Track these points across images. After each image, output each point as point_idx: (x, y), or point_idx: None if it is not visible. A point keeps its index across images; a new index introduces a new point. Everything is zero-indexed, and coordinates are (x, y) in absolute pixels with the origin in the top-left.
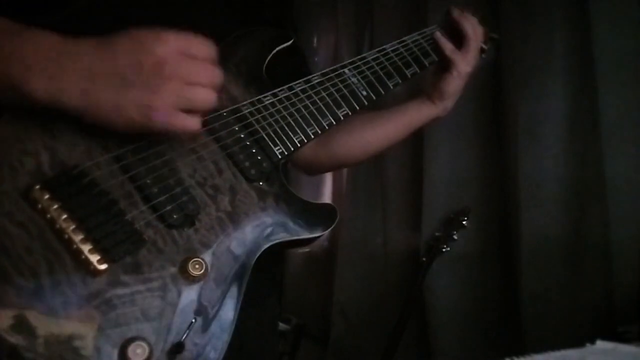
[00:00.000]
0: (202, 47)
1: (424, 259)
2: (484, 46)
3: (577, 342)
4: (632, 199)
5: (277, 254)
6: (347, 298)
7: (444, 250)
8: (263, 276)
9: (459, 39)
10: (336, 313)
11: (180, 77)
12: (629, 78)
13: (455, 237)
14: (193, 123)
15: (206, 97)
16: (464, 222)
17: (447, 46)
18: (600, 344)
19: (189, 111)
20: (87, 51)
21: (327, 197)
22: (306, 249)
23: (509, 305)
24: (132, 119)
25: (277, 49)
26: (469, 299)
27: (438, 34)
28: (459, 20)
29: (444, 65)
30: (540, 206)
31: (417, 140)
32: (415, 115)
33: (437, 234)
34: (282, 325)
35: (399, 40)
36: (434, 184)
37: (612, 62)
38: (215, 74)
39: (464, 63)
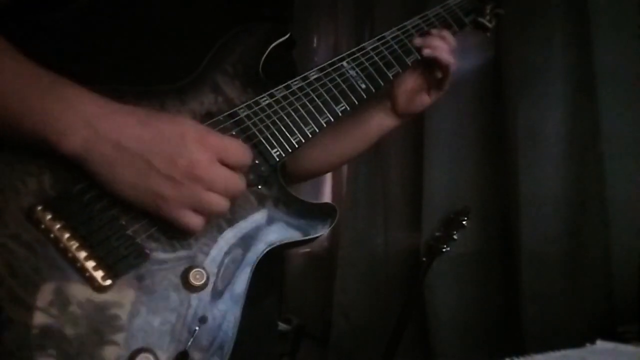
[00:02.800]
0: (238, 157)
1: (424, 259)
2: (488, 24)
3: (577, 342)
4: (632, 199)
5: (275, 254)
6: (348, 298)
7: (444, 250)
8: (261, 277)
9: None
10: (336, 313)
11: (205, 182)
12: (629, 78)
13: (455, 237)
14: (195, 223)
15: (219, 205)
16: (464, 222)
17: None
18: (600, 344)
19: (198, 212)
20: (124, 122)
21: (327, 198)
22: (306, 249)
23: (509, 305)
24: (142, 201)
25: (274, 44)
26: (469, 298)
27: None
28: (435, 55)
29: (423, 85)
30: (540, 206)
31: (417, 140)
32: (377, 128)
33: (437, 234)
34: (282, 325)
35: (399, 27)
36: (434, 184)
37: (612, 62)
38: (237, 184)
39: (446, 90)
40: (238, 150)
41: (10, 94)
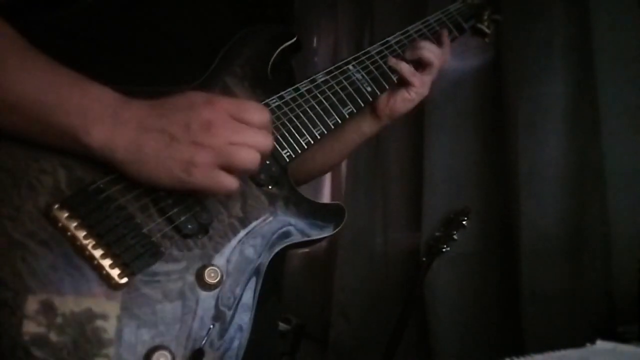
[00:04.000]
0: (254, 113)
1: (424, 259)
2: (486, 30)
3: (577, 342)
4: (633, 199)
5: (277, 254)
6: (347, 298)
7: (444, 250)
8: (265, 276)
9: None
10: (336, 313)
11: (225, 136)
12: (629, 76)
13: (455, 237)
14: (230, 182)
15: (247, 156)
16: (464, 222)
17: (405, 69)
18: (600, 344)
19: (230, 170)
20: (141, 108)
21: (326, 197)
22: (305, 249)
23: (509, 305)
24: (174, 175)
25: (281, 47)
26: (469, 299)
27: (393, 60)
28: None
29: (401, 85)
30: (540, 206)
31: (417, 139)
32: (359, 133)
33: (437, 234)
34: (282, 325)
35: (402, 31)
36: (434, 184)
37: (612, 60)
38: (261, 138)
39: (424, 87)
40: (253, 108)
41: (43, 88)
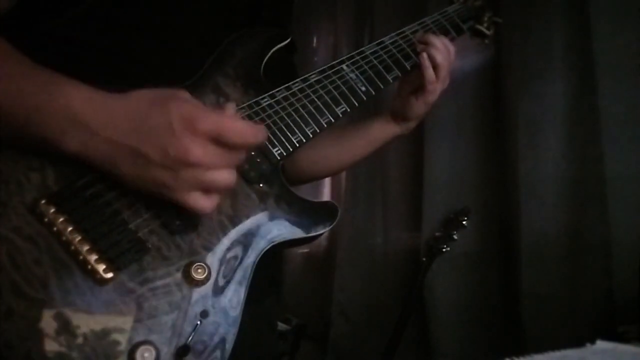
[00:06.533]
0: (236, 136)
1: (424, 259)
2: (486, 32)
3: (577, 342)
4: (632, 199)
5: (275, 253)
6: (347, 298)
7: (444, 250)
8: (261, 275)
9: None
10: (336, 313)
11: (202, 165)
12: (628, 77)
13: (455, 237)
14: (207, 204)
15: (225, 178)
16: (464, 222)
17: (430, 76)
18: (600, 344)
19: (207, 191)
20: (113, 115)
21: (325, 197)
22: (305, 249)
23: (509, 305)
24: (150, 191)
25: (274, 48)
26: (469, 298)
27: (425, 57)
28: (429, 52)
29: (412, 89)
30: (540, 206)
31: (417, 140)
32: (379, 134)
33: (437, 234)
34: (282, 325)
35: (397, 32)
36: (434, 184)
37: (612, 61)
38: (235, 157)
39: (434, 94)
40: (234, 129)
41: (12, 99)
